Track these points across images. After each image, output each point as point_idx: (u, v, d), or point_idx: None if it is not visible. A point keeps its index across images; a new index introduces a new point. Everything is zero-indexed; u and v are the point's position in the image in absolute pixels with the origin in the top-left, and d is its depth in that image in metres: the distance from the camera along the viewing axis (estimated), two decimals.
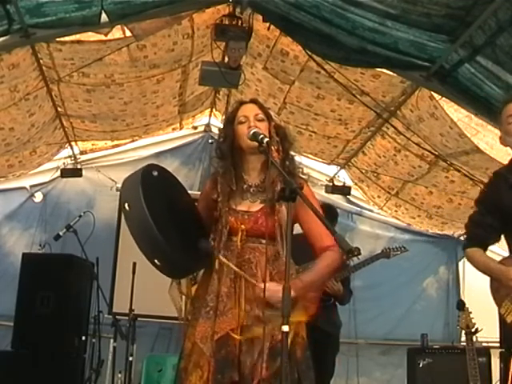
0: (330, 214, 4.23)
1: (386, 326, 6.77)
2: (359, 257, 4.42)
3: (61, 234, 5.00)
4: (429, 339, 5.45)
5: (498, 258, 2.95)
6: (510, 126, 2.64)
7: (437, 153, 5.12)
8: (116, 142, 6.39)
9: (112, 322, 4.69)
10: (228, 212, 2.54)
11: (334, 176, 6.70)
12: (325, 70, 4.48)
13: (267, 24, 4.14)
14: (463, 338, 4.63)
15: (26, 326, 5.07)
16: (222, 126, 2.90)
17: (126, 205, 2.43)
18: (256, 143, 2.43)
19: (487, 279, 2.95)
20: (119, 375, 5.03)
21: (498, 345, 5.06)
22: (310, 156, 6.23)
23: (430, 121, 4.65)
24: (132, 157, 6.69)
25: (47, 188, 6.69)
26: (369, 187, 6.61)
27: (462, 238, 7.06)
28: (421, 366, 5.14)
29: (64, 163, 6.42)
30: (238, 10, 4.07)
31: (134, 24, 3.96)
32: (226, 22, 4.08)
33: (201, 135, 7.01)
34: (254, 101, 2.69)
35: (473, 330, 4.14)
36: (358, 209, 7.13)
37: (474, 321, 4.17)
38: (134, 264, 5.04)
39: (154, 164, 2.68)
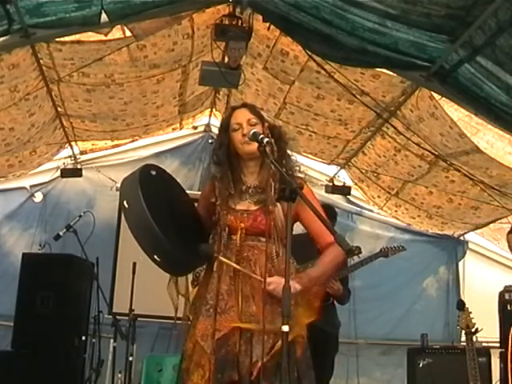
0: (329, 214, 4.23)
1: (386, 326, 6.77)
2: (359, 256, 4.45)
3: (61, 234, 5.00)
4: (429, 339, 5.45)
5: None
6: None
7: (437, 153, 5.12)
8: (116, 142, 6.39)
9: (112, 322, 4.69)
10: (227, 213, 2.57)
11: (333, 176, 6.70)
12: (325, 70, 4.48)
13: (267, 24, 4.13)
14: (463, 338, 4.63)
15: (26, 326, 5.07)
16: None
17: (125, 202, 2.46)
18: (253, 147, 2.47)
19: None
20: (119, 375, 5.04)
21: (498, 345, 5.06)
22: (309, 156, 6.23)
23: (430, 121, 4.65)
24: (132, 157, 6.69)
25: (47, 188, 6.69)
26: (369, 187, 6.60)
27: (461, 238, 7.07)
28: (421, 366, 5.14)
29: (64, 163, 6.41)
30: (238, 9, 4.06)
31: (134, 24, 3.96)
32: (226, 22, 4.08)
33: (201, 135, 7.01)
34: (245, 105, 2.73)
35: (473, 330, 4.14)
36: (358, 209, 7.13)
37: (473, 321, 4.17)
38: (134, 264, 5.04)
39: (151, 164, 2.72)
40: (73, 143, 6.18)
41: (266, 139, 2.42)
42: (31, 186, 6.62)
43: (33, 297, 5.10)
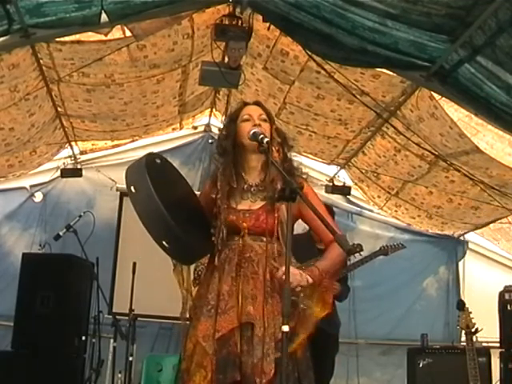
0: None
1: (386, 326, 6.77)
2: (360, 254, 4.44)
3: (61, 233, 5.00)
4: (429, 339, 5.46)
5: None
6: None
7: (437, 153, 5.12)
8: (116, 142, 6.39)
9: (112, 322, 4.69)
10: (228, 210, 2.57)
11: (333, 176, 6.70)
12: (325, 70, 4.48)
13: (267, 24, 4.13)
14: (463, 338, 4.63)
15: (26, 326, 5.07)
16: (222, 125, 2.96)
17: (132, 187, 2.43)
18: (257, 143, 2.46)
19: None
20: (119, 375, 5.04)
21: (498, 345, 5.07)
22: (309, 156, 6.23)
23: (430, 121, 4.65)
24: (132, 157, 6.65)
25: (47, 188, 6.70)
26: (369, 187, 6.61)
27: (461, 238, 7.08)
28: (421, 365, 5.15)
29: (64, 163, 6.42)
30: (238, 10, 4.06)
31: (134, 24, 3.96)
32: (226, 22, 4.08)
33: (201, 135, 7.01)
34: (257, 103, 2.76)
35: (473, 330, 4.14)
36: (358, 209, 7.13)
37: (474, 321, 4.18)
38: (134, 264, 5.05)
39: (156, 152, 2.74)
40: (73, 143, 6.18)
41: (266, 139, 2.43)
42: (31, 186, 6.62)
43: (33, 297, 5.09)
